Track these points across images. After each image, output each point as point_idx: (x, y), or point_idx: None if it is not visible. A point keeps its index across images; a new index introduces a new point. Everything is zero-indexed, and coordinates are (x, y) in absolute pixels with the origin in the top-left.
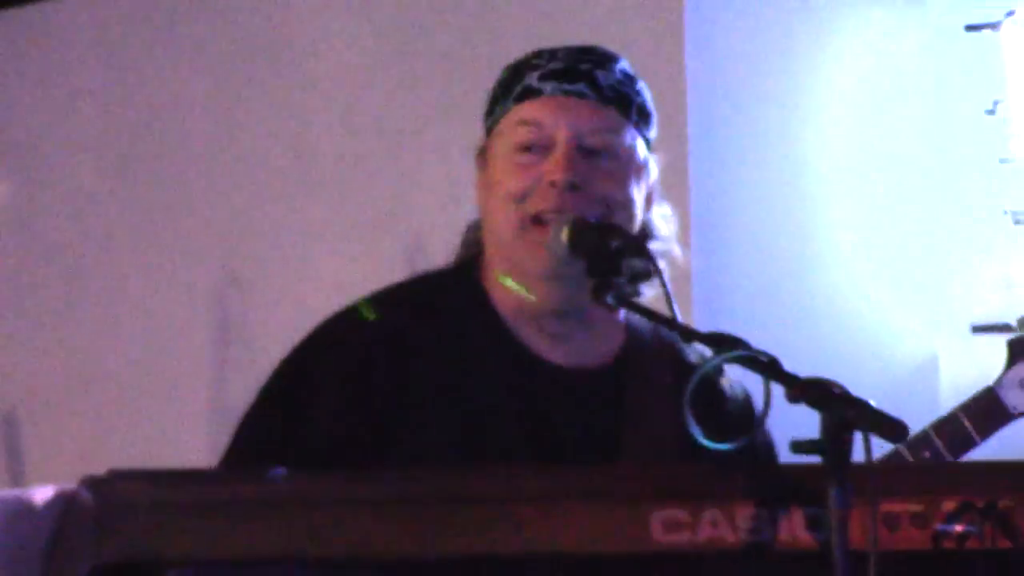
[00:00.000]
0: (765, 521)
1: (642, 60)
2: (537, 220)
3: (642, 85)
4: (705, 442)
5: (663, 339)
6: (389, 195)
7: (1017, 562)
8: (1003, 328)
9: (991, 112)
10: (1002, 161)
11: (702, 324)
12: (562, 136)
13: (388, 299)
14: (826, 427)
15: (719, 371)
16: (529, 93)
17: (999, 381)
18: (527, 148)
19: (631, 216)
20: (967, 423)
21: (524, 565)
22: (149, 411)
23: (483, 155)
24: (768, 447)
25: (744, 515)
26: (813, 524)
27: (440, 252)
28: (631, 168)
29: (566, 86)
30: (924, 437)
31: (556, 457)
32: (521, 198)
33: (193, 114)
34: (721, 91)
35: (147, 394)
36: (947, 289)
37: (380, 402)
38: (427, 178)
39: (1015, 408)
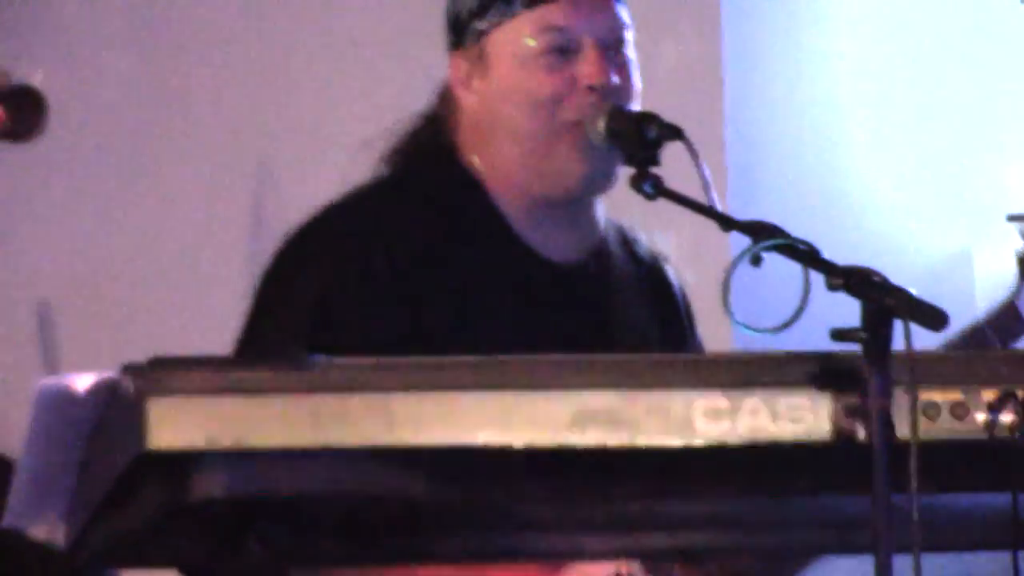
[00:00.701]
0: (806, 410)
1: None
2: (575, 125)
3: None
4: (748, 330)
5: (622, 234)
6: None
7: None
8: None
9: None
10: None
11: (736, 215)
12: (588, 38)
13: (383, 192)
14: (866, 315)
15: (758, 259)
16: None
17: (1015, 293)
18: (553, 51)
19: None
20: (990, 332)
21: (562, 454)
22: (182, 303)
23: (477, 58)
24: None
25: (785, 404)
26: (853, 413)
27: None
28: (632, 53)
29: None
30: (952, 347)
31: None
32: (554, 102)
33: (230, 6)
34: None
35: (181, 286)
36: (980, 179)
37: (383, 297)
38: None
39: None
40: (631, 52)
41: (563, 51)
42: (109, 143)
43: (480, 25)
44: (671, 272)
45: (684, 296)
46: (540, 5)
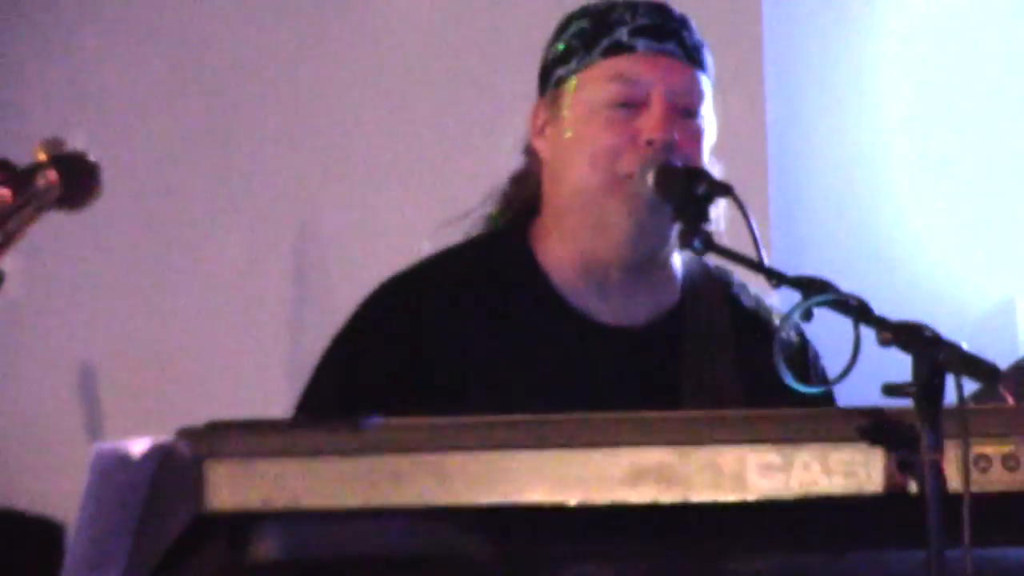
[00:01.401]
0: (858, 464)
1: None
2: (629, 178)
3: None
4: (798, 386)
5: (718, 286)
6: (465, 145)
7: None
8: None
9: None
10: None
11: (780, 265)
12: (658, 94)
13: (439, 264)
14: (918, 370)
15: (809, 314)
16: (620, 48)
17: None
18: (621, 104)
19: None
20: None
21: (613, 512)
22: (226, 364)
23: (553, 105)
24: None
25: (837, 459)
26: (906, 467)
27: None
28: (708, 130)
29: (657, 44)
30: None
31: None
32: (613, 155)
33: (270, 65)
34: (799, 31)
35: (225, 347)
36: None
37: (432, 368)
38: (504, 125)
39: None
40: (706, 123)
41: (631, 104)
42: (151, 203)
43: (560, 72)
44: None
45: (801, 352)
46: (616, 55)
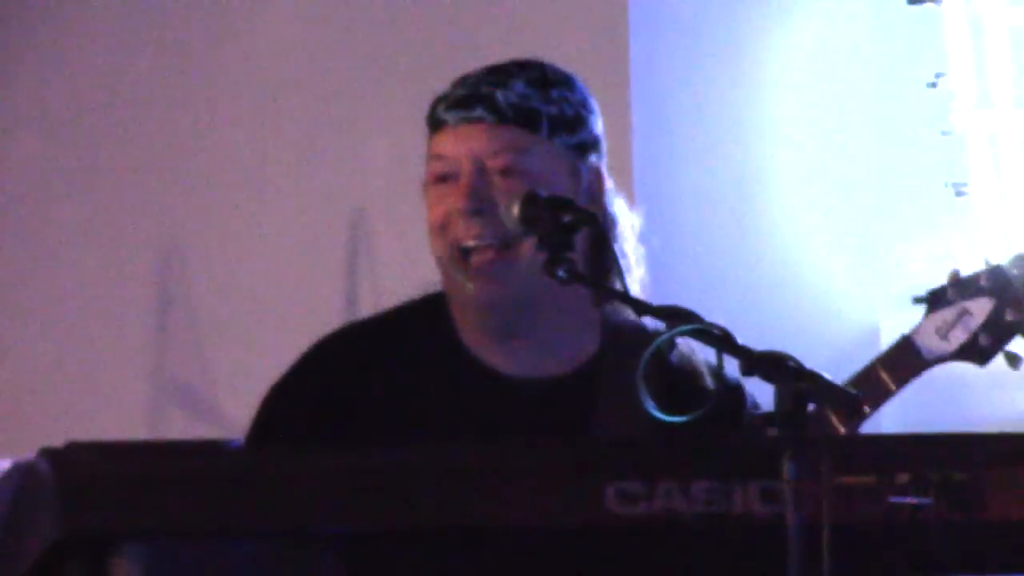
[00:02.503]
0: (720, 493)
1: (586, 32)
2: (462, 251)
3: (560, 91)
4: (659, 415)
5: (646, 338)
6: (333, 167)
7: (970, 535)
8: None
9: (933, 85)
10: (943, 134)
11: (646, 294)
12: (464, 165)
13: (358, 331)
14: (780, 400)
15: (671, 345)
16: (437, 124)
17: (915, 329)
18: (441, 179)
19: None
20: (883, 374)
21: (477, 538)
22: (89, 383)
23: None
24: (738, 395)
25: (701, 487)
26: (767, 496)
27: (382, 226)
28: (544, 181)
29: (464, 112)
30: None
31: None
32: (441, 229)
33: (136, 82)
34: (666, 61)
35: (87, 366)
36: (889, 261)
37: (341, 430)
38: (372, 151)
39: (930, 355)
40: (540, 177)
41: (450, 178)
42: (12, 218)
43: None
44: (706, 382)
45: (731, 405)
46: (435, 133)
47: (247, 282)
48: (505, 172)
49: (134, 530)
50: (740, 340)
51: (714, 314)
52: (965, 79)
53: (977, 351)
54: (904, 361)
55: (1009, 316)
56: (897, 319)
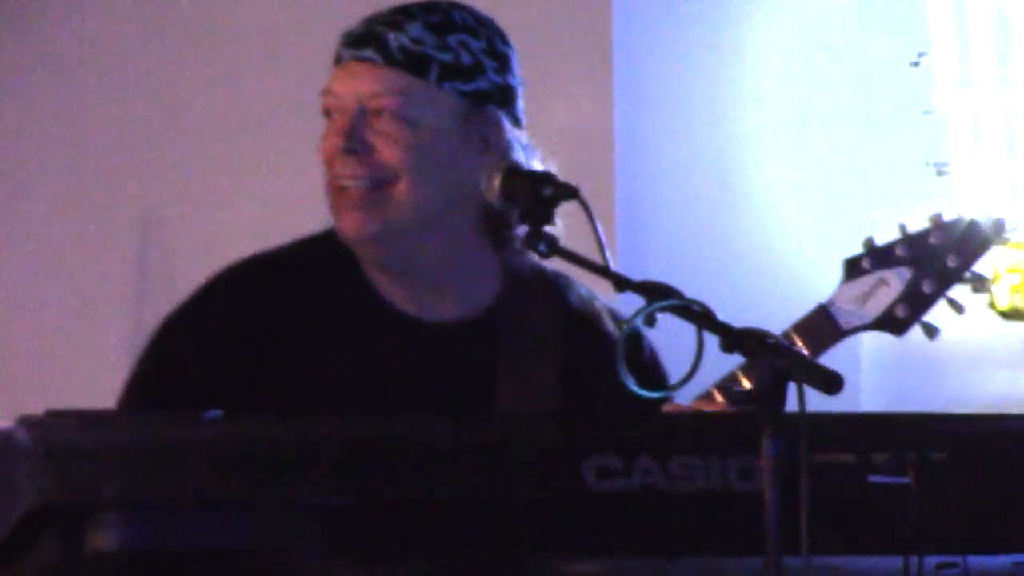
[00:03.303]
0: (698, 470)
1: (570, 7)
2: (340, 188)
3: (460, 37)
4: (639, 391)
5: (545, 283)
6: (313, 138)
7: (947, 514)
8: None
9: (915, 64)
10: (925, 113)
11: (625, 268)
12: (347, 104)
13: (261, 263)
14: (760, 377)
15: (652, 320)
16: (336, 59)
17: (831, 298)
18: (327, 114)
19: (423, 176)
20: (800, 341)
21: (455, 510)
22: (67, 353)
23: None
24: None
25: (679, 463)
26: (746, 473)
27: None
28: (426, 128)
29: (355, 51)
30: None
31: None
32: (328, 164)
33: (117, 50)
34: (648, 39)
35: (66, 336)
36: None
37: (248, 367)
38: None
39: (847, 324)
40: (418, 123)
41: (336, 114)
42: None
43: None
44: (607, 325)
45: (632, 350)
46: (334, 68)
47: (226, 254)
48: (383, 114)
49: (112, 499)
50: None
51: (692, 291)
52: (947, 58)
53: (894, 322)
54: (820, 329)
55: (926, 288)
56: None
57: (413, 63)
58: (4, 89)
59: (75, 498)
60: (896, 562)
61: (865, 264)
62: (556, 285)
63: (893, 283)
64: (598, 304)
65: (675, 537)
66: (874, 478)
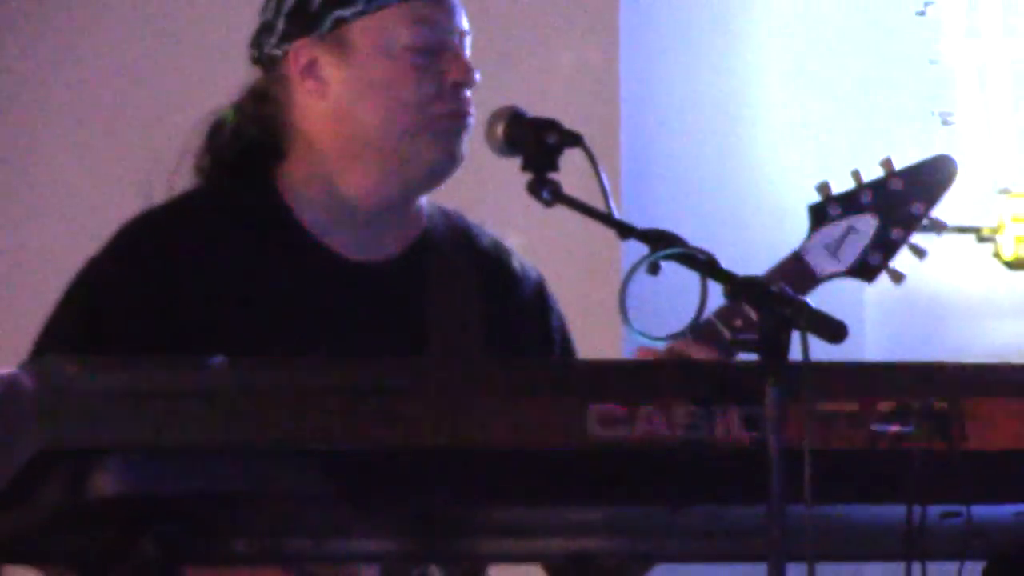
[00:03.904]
0: (701, 418)
1: None
2: (445, 118)
3: None
4: (640, 336)
5: (456, 226)
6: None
7: (949, 463)
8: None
9: (921, 13)
10: (931, 62)
11: (629, 216)
12: (456, 37)
13: (184, 205)
14: (764, 325)
15: (656, 267)
16: None
17: (804, 246)
18: (424, 48)
19: None
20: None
21: (456, 458)
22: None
23: (335, 47)
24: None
25: (682, 412)
26: (749, 422)
27: None
28: None
29: None
30: (732, 308)
31: (357, 352)
32: (425, 99)
33: (125, 24)
34: None
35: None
36: None
37: (176, 311)
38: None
39: (822, 272)
40: None
41: (433, 48)
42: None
43: (342, 13)
44: (516, 265)
45: (536, 290)
46: (415, 1)
47: None
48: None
49: (115, 443)
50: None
51: (697, 237)
52: (954, 8)
53: (866, 269)
54: (796, 276)
55: (894, 234)
56: None
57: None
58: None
59: (78, 442)
60: (899, 511)
61: (832, 211)
62: (466, 225)
63: (863, 230)
64: (504, 245)
65: (678, 487)
66: (878, 427)
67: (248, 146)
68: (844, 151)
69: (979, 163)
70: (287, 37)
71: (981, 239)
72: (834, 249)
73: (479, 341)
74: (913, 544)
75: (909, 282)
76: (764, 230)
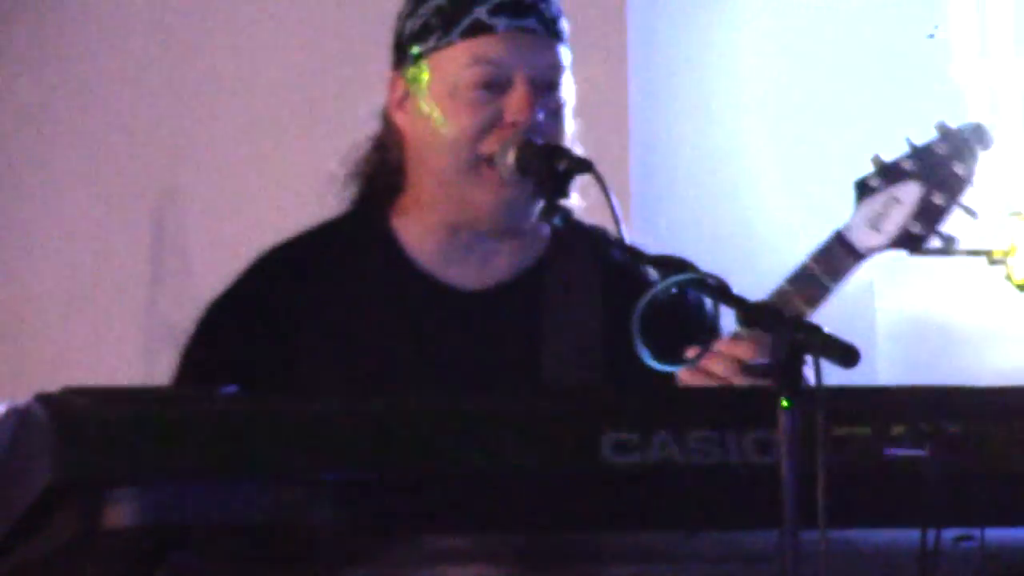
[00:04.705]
0: (715, 444)
1: None
2: (492, 161)
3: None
4: (655, 364)
5: (587, 244)
6: (329, 113)
7: (963, 486)
8: (940, 251)
9: (932, 36)
10: (943, 85)
11: (640, 241)
12: (520, 75)
13: (291, 247)
14: (777, 350)
15: (668, 294)
16: (480, 28)
17: (847, 224)
18: (483, 86)
19: (569, 145)
20: (818, 270)
21: (471, 484)
22: (84, 326)
23: (412, 82)
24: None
25: (695, 437)
26: (763, 447)
27: None
28: (568, 97)
29: (518, 21)
30: (782, 291)
31: (470, 380)
32: (477, 137)
33: (133, 31)
34: (663, 6)
35: (82, 309)
36: None
37: (295, 348)
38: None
39: (864, 248)
40: (566, 94)
41: (494, 86)
42: (11, 161)
43: (419, 48)
44: (650, 275)
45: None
46: (478, 36)
47: (240, 225)
48: (552, 88)
49: (128, 475)
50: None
51: (708, 263)
52: (965, 29)
53: (910, 239)
54: (838, 256)
55: (937, 200)
56: (891, 272)
57: (562, 35)
58: (21, 72)
59: (91, 474)
60: (913, 535)
61: (874, 183)
62: (601, 240)
63: (905, 199)
64: (646, 254)
65: (693, 511)
66: (890, 451)
67: (373, 177)
68: (857, 173)
69: (990, 185)
70: (392, 67)
71: (992, 262)
72: (876, 223)
73: (597, 359)
74: (927, 568)
75: (920, 305)
76: (775, 256)
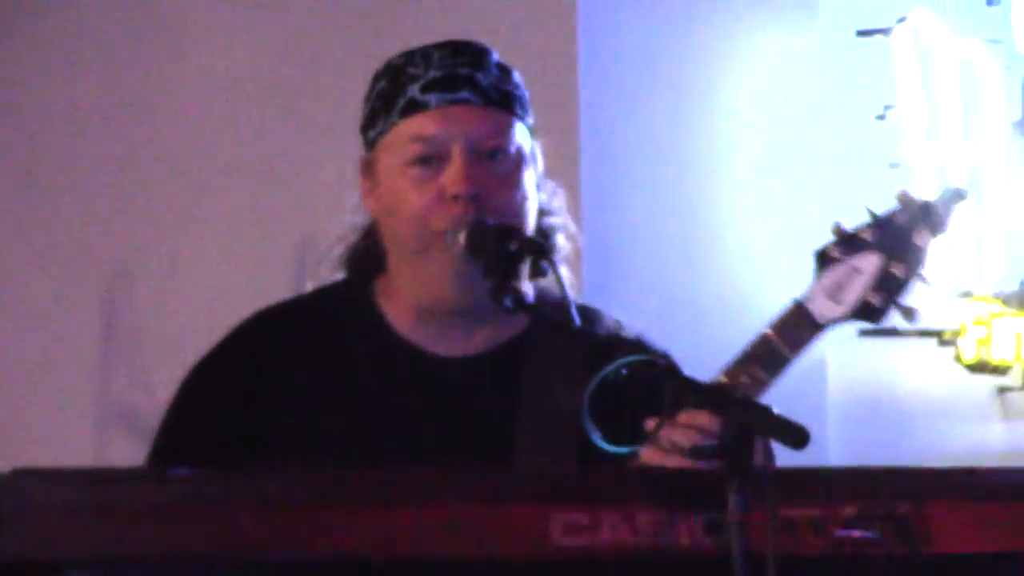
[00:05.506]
0: (664, 525)
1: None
2: (444, 235)
3: (516, 74)
4: (604, 446)
5: (573, 324)
6: (279, 194)
7: (914, 569)
8: (890, 332)
9: (881, 117)
10: (892, 166)
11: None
12: (456, 147)
13: (275, 313)
14: (726, 432)
15: (616, 376)
16: (414, 107)
17: (807, 294)
18: (422, 161)
19: (527, 211)
20: (777, 340)
21: (420, 568)
22: (33, 408)
23: (370, 167)
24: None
25: (644, 519)
26: (712, 528)
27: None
28: (523, 164)
29: (450, 95)
30: (741, 361)
31: (451, 448)
32: (423, 214)
33: (82, 110)
34: (615, 93)
35: (31, 390)
36: None
37: (265, 414)
38: (318, 177)
39: (823, 318)
40: (520, 160)
41: (432, 160)
42: None
43: (372, 133)
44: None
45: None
46: (411, 115)
47: (192, 306)
48: (495, 154)
49: (79, 558)
50: (680, 363)
51: (656, 338)
52: (914, 111)
53: (870, 310)
54: (797, 327)
55: (897, 272)
56: (843, 350)
57: (504, 100)
58: None
59: (42, 556)
60: None
61: (835, 253)
62: (590, 321)
63: (865, 270)
64: (626, 335)
65: None
66: (841, 532)
67: (356, 261)
68: (806, 254)
69: (940, 267)
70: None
71: (942, 343)
72: (835, 294)
73: (572, 436)
74: None
75: (871, 386)
76: (726, 331)
